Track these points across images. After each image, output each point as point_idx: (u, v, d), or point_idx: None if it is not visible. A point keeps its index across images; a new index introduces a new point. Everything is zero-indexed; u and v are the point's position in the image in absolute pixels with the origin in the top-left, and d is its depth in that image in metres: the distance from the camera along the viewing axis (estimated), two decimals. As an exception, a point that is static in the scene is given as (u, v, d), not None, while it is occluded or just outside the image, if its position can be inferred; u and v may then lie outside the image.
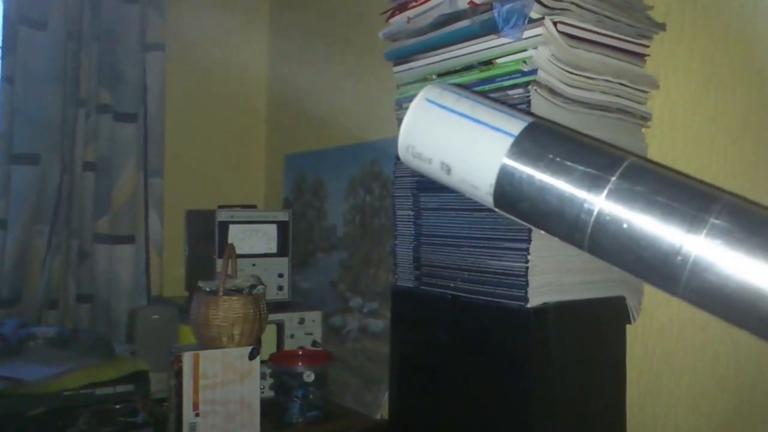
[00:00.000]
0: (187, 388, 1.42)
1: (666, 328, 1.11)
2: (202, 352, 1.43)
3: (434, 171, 0.49)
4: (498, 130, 0.46)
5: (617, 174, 0.43)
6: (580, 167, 0.43)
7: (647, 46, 1.09)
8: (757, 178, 1.01)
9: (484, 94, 0.52)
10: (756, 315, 0.41)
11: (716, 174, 1.05)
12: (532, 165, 0.44)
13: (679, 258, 0.42)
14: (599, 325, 1.08)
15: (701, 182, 0.45)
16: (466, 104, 0.48)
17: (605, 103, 1.04)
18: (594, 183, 0.43)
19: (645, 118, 1.11)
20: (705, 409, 1.07)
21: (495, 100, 0.50)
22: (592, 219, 0.43)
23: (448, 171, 0.48)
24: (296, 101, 2.22)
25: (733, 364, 1.03)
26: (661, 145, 1.12)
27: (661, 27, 1.10)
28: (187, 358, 1.41)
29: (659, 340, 1.12)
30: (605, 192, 0.43)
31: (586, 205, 0.43)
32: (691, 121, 1.09)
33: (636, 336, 1.14)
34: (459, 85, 0.51)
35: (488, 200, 0.47)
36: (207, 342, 1.45)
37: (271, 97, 2.38)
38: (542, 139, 0.45)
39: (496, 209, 0.47)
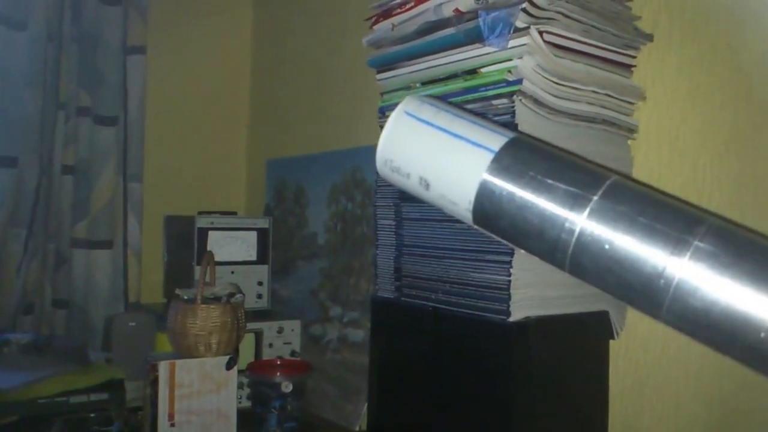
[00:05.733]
0: (162, 398, 1.39)
1: (649, 343, 1.10)
2: (178, 362, 1.40)
3: (413, 186, 0.47)
4: (478, 145, 0.44)
5: (599, 193, 0.41)
6: (562, 185, 0.41)
7: (634, 57, 1.08)
8: (743, 192, 1.00)
9: (464, 108, 0.50)
10: (741, 342, 0.39)
11: (702, 187, 1.04)
12: (512, 182, 0.42)
13: (662, 281, 0.40)
14: (582, 341, 1.07)
15: (685, 203, 0.43)
16: (445, 118, 0.46)
17: (591, 115, 1.03)
18: (576, 202, 0.41)
19: (631, 129, 1.09)
20: (688, 426, 1.05)
21: (475, 113, 0.49)
22: (573, 239, 0.41)
23: (427, 186, 0.46)
24: (279, 106, 2.20)
25: (716, 380, 1.02)
26: (647, 157, 1.11)
27: (649, 38, 1.08)
28: (163, 367, 1.38)
29: (642, 356, 1.11)
30: (587, 211, 0.41)
31: (567, 225, 0.41)
32: (677, 133, 1.08)
33: (619, 351, 1.12)
34: (438, 98, 0.49)
35: (467, 217, 0.45)
36: (184, 351, 1.42)
37: (253, 101, 2.36)
38: (523, 156, 0.43)
39: (475, 226, 0.45)
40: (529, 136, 0.47)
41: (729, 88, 1.02)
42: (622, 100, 1.06)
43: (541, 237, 0.42)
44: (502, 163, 0.43)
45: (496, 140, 0.44)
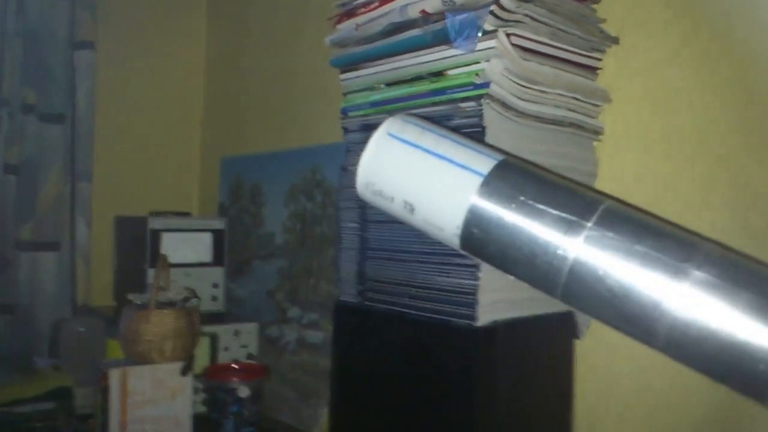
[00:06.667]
0: (114, 406, 1.34)
1: (615, 346, 1.10)
2: (130, 369, 1.35)
3: (396, 210, 0.45)
4: (465, 168, 0.42)
5: (594, 219, 0.39)
6: (555, 211, 0.39)
7: (600, 60, 1.07)
8: (710, 196, 1.00)
9: (448, 127, 0.47)
10: (740, 372, 0.38)
11: (667, 190, 1.04)
12: (502, 207, 0.40)
13: (659, 311, 0.39)
14: (548, 342, 1.06)
15: (679, 228, 0.42)
16: (430, 139, 0.44)
17: (558, 117, 1.02)
18: (569, 228, 0.39)
19: (597, 131, 1.09)
20: (655, 429, 1.05)
21: (460, 132, 0.46)
22: (567, 267, 0.39)
23: (412, 210, 0.44)
24: (235, 103, 2.14)
25: (681, 386, 1.02)
26: (612, 159, 1.10)
27: (615, 40, 1.08)
28: (114, 375, 1.34)
29: (608, 358, 1.11)
30: (581, 238, 0.39)
31: (560, 252, 0.39)
32: (643, 136, 1.08)
33: (584, 353, 1.12)
34: (423, 117, 0.47)
35: (454, 242, 0.42)
36: (136, 357, 1.38)
37: (207, 98, 2.30)
38: (513, 179, 0.41)
39: (462, 251, 0.43)
40: (517, 157, 0.45)
41: (695, 92, 1.02)
42: (588, 103, 1.06)
43: (533, 265, 0.40)
44: (492, 187, 0.41)
45: (485, 163, 0.42)
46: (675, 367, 1.01)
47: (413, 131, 0.45)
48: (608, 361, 1.11)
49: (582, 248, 0.39)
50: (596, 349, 1.12)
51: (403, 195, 0.44)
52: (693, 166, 1.02)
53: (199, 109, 2.30)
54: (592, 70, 1.07)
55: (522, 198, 0.40)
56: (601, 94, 1.08)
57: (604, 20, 1.08)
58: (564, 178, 0.43)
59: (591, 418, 1.12)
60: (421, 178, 0.43)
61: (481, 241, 0.42)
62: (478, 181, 0.41)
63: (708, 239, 0.41)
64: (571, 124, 1.04)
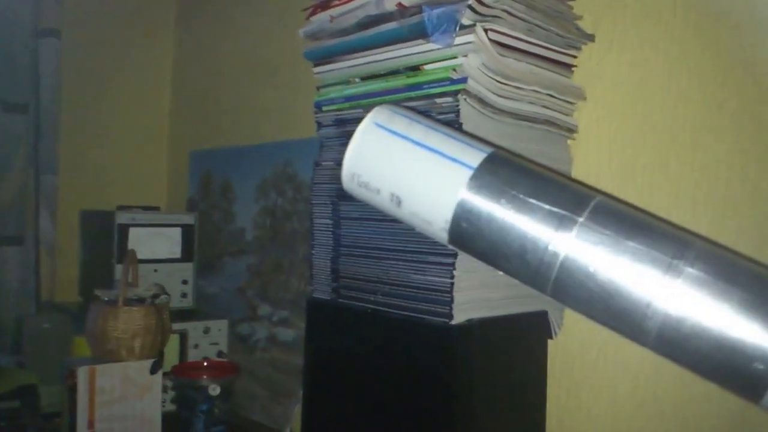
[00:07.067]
0: (82, 405, 1.31)
1: (587, 343, 1.10)
2: (99, 367, 1.32)
3: (382, 202, 0.44)
4: (455, 160, 0.41)
5: (585, 214, 0.38)
6: (546, 206, 0.38)
7: (575, 57, 1.07)
8: (682, 193, 1.00)
9: (436, 119, 0.46)
10: (733, 370, 0.38)
11: (641, 188, 1.05)
12: (492, 201, 0.39)
13: (651, 308, 0.38)
14: (522, 342, 1.06)
15: (671, 224, 0.41)
16: (418, 130, 0.43)
17: (533, 114, 1.01)
18: (561, 224, 0.38)
19: (571, 129, 1.09)
20: (623, 427, 1.06)
21: (447, 125, 0.45)
22: (558, 263, 0.39)
23: (399, 203, 0.43)
24: (204, 96, 2.11)
25: (652, 383, 1.03)
26: (586, 157, 1.11)
27: (590, 38, 1.08)
28: (82, 373, 1.31)
29: (579, 356, 1.11)
30: (573, 234, 0.38)
31: (551, 248, 0.39)
32: (617, 135, 1.08)
33: (557, 351, 1.12)
34: (410, 108, 0.46)
35: (442, 236, 0.42)
36: (105, 355, 1.34)
37: (176, 88, 2.26)
38: (503, 172, 0.40)
39: (450, 246, 0.42)
40: (506, 150, 0.44)
41: (670, 91, 1.02)
42: (563, 100, 1.06)
43: (523, 260, 0.39)
44: (482, 180, 0.40)
45: (474, 155, 0.41)
46: (644, 365, 1.02)
47: (401, 122, 0.44)
48: (579, 359, 1.11)
49: (573, 244, 0.38)
50: (568, 348, 1.12)
51: (390, 187, 0.43)
52: (667, 163, 1.02)
53: (167, 101, 2.26)
54: (567, 67, 1.07)
55: (513, 192, 0.39)
56: (575, 91, 1.08)
57: (580, 17, 1.08)
58: (553, 171, 0.43)
59: (561, 413, 1.13)
60: (409, 170, 0.42)
61: (470, 236, 0.41)
62: (467, 174, 0.40)
63: (699, 236, 0.40)
64: (546, 122, 1.04)
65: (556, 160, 1.08)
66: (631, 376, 1.05)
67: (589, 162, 1.10)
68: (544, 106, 1.03)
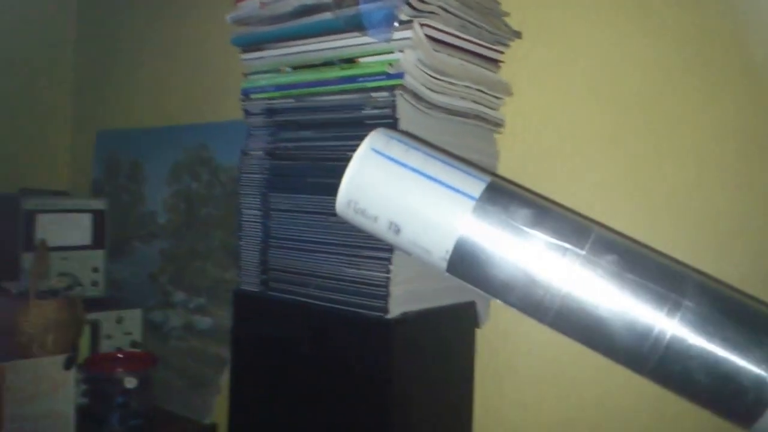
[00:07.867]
0: (-12, 404, 1.24)
1: (510, 332, 1.14)
2: (8, 364, 1.25)
3: (380, 230, 0.43)
4: (457, 191, 0.41)
5: (587, 247, 0.40)
6: (548, 238, 0.39)
7: (503, 53, 1.09)
8: (605, 191, 1.05)
9: (429, 144, 0.46)
10: (728, 400, 0.40)
11: (565, 185, 1.08)
12: (495, 232, 0.40)
13: (650, 340, 0.40)
14: (453, 332, 1.08)
15: (668, 257, 0.43)
16: (416, 157, 0.42)
17: (464, 109, 1.03)
18: (564, 257, 0.39)
19: (498, 124, 1.11)
20: (546, 415, 1.10)
21: (442, 150, 0.45)
22: (561, 296, 0.40)
23: (397, 231, 0.42)
24: (112, 75, 2.01)
25: (575, 372, 1.07)
26: (512, 151, 1.13)
27: (517, 35, 1.10)
28: (-12, 370, 1.23)
29: (503, 345, 1.15)
30: (576, 267, 0.39)
31: (554, 282, 0.40)
32: (543, 130, 1.11)
33: (483, 340, 1.15)
34: (404, 133, 0.45)
35: (441, 265, 0.42)
36: (14, 351, 1.27)
37: (80, 64, 2.14)
38: (503, 202, 0.41)
39: (447, 274, 0.43)
40: (501, 178, 0.45)
41: (594, 87, 1.06)
42: (491, 95, 1.08)
43: (525, 292, 0.40)
44: (484, 211, 0.40)
45: (474, 185, 0.42)
46: (565, 353, 1.06)
47: (398, 148, 0.44)
48: (504, 349, 1.15)
49: (576, 278, 0.40)
50: (494, 338, 1.15)
51: (388, 215, 0.43)
52: (590, 157, 1.06)
53: (69, 78, 2.14)
54: (495, 62, 1.09)
55: (515, 223, 0.40)
56: (503, 86, 1.10)
57: (507, 14, 1.10)
58: (546, 199, 0.44)
59: (487, 402, 1.16)
60: (410, 200, 0.42)
61: (471, 266, 0.41)
62: (470, 205, 0.41)
63: (692, 268, 0.42)
64: (476, 117, 1.06)
65: (484, 154, 1.10)
66: (553, 365, 1.10)
67: (515, 156, 1.13)
68: (475, 101, 1.05)
